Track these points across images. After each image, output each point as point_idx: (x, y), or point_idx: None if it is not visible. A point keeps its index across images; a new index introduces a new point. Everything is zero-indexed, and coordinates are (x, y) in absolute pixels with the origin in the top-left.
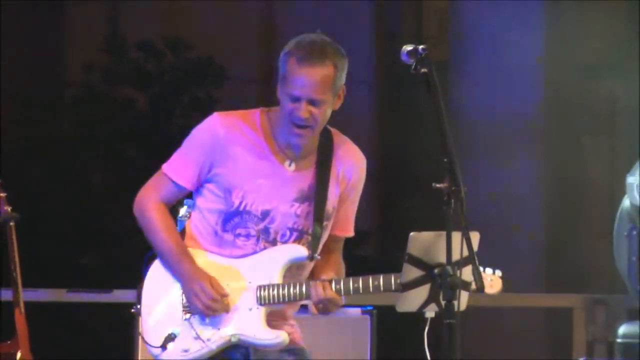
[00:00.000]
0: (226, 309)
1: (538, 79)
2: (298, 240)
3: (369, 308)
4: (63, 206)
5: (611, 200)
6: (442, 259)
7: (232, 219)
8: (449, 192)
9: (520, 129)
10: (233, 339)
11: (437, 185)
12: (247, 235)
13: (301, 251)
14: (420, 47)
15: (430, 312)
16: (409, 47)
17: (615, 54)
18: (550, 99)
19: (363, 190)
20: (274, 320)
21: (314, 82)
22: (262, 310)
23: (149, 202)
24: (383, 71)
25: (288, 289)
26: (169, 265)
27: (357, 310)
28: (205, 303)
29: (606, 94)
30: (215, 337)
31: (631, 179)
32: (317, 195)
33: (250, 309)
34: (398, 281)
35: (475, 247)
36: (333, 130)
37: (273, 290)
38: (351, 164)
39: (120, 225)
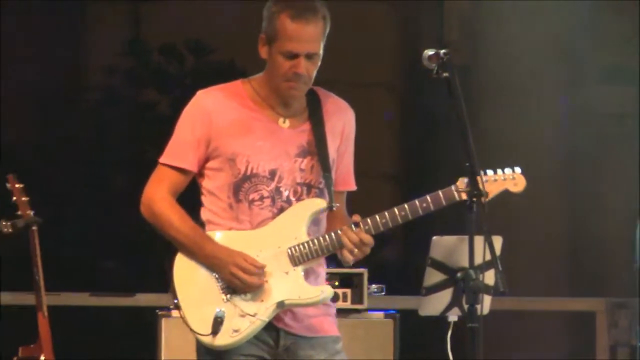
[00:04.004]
0: (265, 280)
1: (563, 83)
2: (310, 195)
3: (392, 312)
4: (85, 210)
5: (632, 203)
6: (465, 262)
7: (242, 186)
8: (471, 197)
9: (543, 133)
10: (280, 306)
11: (460, 190)
12: (261, 198)
13: (319, 203)
14: (442, 51)
15: (453, 316)
16: (430, 52)
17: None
18: (574, 102)
19: (384, 194)
20: (311, 279)
21: (311, 38)
22: (299, 270)
23: (155, 197)
24: (404, 74)
25: (319, 243)
26: (192, 253)
27: (380, 314)
28: (247, 281)
29: (630, 97)
30: (262, 309)
31: None
32: (318, 148)
33: (287, 272)
34: (424, 205)
35: (497, 251)
36: (315, 87)
37: (304, 248)
38: (342, 117)
39: (142, 228)
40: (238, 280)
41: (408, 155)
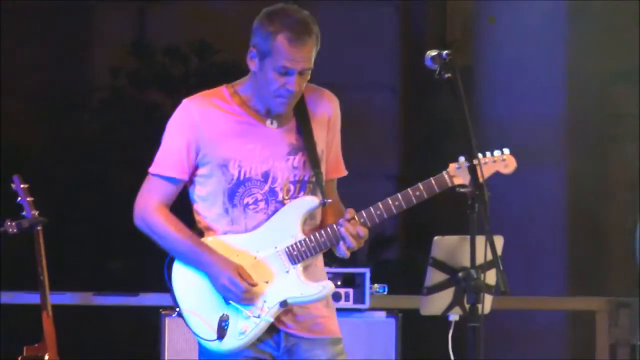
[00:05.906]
0: (259, 292)
1: (563, 83)
2: (303, 191)
3: (394, 311)
4: (89, 210)
5: (634, 202)
6: (466, 262)
7: (236, 191)
8: (472, 196)
9: (545, 134)
10: (283, 305)
11: (461, 189)
12: (256, 202)
13: (312, 200)
14: (445, 52)
15: (454, 316)
16: (433, 52)
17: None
18: (576, 104)
19: (387, 195)
20: (312, 275)
21: (306, 57)
22: (299, 268)
23: (148, 208)
24: (407, 76)
25: (316, 239)
26: (190, 261)
27: (382, 314)
28: (239, 296)
29: (633, 100)
30: (265, 310)
31: None
32: (306, 143)
33: (287, 272)
34: (417, 193)
35: (499, 250)
36: None
37: (302, 246)
38: (327, 107)
39: None
40: (232, 294)
41: (411, 157)
